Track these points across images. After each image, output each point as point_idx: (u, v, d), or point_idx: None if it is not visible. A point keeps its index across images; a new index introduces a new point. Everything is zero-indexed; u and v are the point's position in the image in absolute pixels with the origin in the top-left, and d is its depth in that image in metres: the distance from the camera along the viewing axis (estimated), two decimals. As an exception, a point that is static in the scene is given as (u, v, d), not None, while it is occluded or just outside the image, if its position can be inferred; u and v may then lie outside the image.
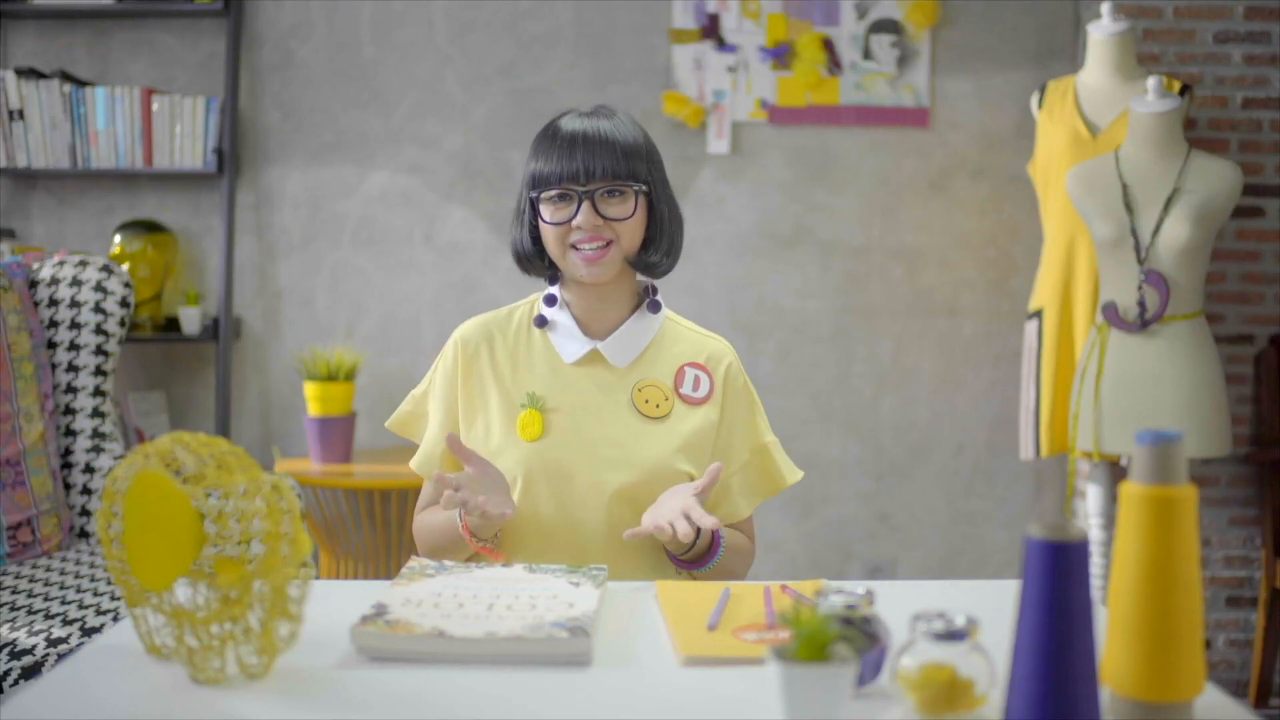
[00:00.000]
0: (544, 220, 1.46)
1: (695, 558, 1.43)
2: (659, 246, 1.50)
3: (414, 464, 1.55)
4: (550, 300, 1.53)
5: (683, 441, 1.48)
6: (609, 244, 1.44)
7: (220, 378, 3.15)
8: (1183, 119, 2.70)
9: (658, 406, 1.49)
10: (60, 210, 3.24)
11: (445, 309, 3.25)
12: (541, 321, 1.53)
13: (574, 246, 1.44)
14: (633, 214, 1.45)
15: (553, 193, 1.44)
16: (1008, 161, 3.23)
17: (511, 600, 1.14)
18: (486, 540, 1.42)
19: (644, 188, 1.47)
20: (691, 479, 1.49)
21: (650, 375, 1.51)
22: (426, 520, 1.52)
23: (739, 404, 1.54)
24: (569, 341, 1.51)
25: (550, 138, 1.46)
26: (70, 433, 2.43)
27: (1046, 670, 0.79)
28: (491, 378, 1.51)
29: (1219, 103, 3.03)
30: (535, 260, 1.51)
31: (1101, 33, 2.79)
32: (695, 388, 1.51)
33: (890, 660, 0.91)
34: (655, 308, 1.54)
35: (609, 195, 1.44)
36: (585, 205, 1.43)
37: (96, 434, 2.44)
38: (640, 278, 1.56)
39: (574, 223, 1.43)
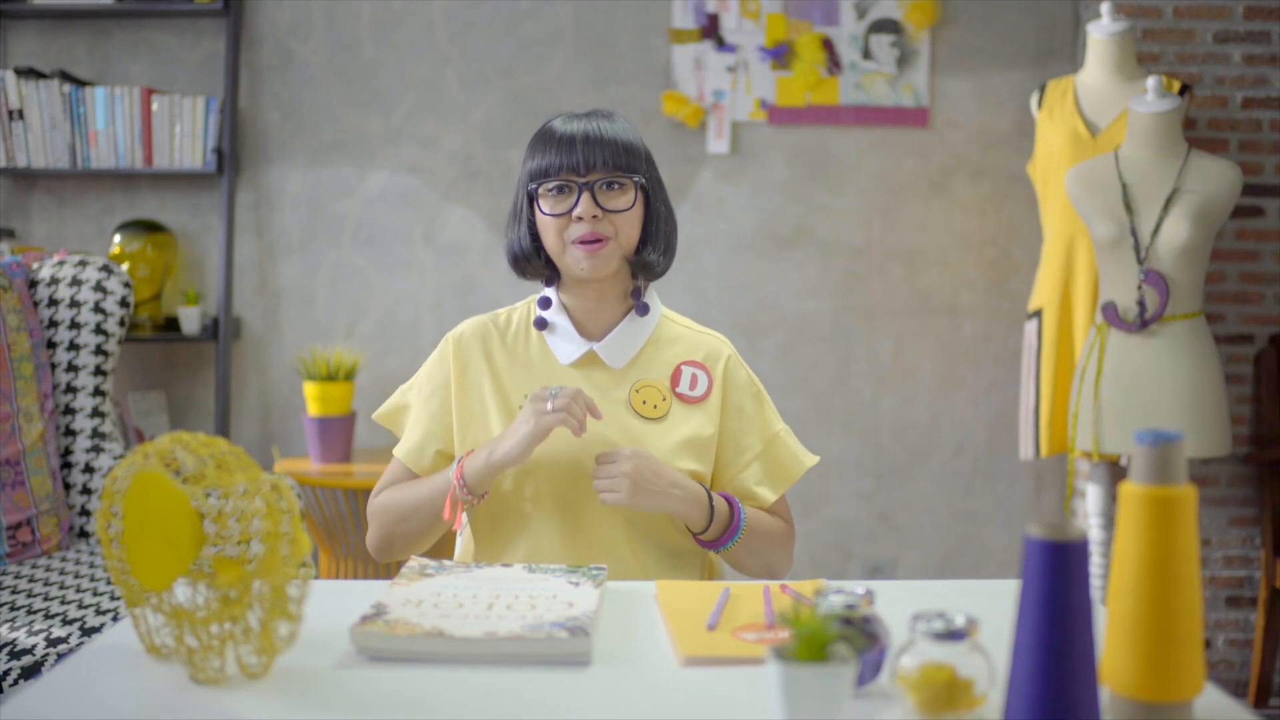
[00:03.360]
0: (543, 213, 1.46)
1: (715, 536, 1.45)
2: (656, 245, 1.50)
3: (400, 453, 1.53)
4: (545, 303, 1.53)
5: (682, 440, 1.48)
6: (606, 240, 1.44)
7: (220, 378, 3.15)
8: (1182, 119, 2.70)
9: (655, 407, 1.49)
10: (60, 210, 3.24)
11: (445, 309, 3.25)
12: (541, 324, 1.53)
13: (574, 241, 1.45)
14: (632, 205, 1.46)
15: (552, 184, 1.44)
16: (1008, 161, 3.23)
17: (511, 600, 1.14)
18: (476, 495, 1.41)
19: (642, 180, 1.47)
20: (694, 477, 1.50)
21: (647, 375, 1.51)
22: (400, 492, 1.50)
23: (744, 397, 1.53)
24: (565, 343, 1.51)
25: (548, 135, 1.47)
26: (70, 433, 2.43)
27: (1046, 670, 0.79)
28: (488, 380, 1.51)
29: (1219, 103, 3.03)
30: (533, 259, 1.51)
31: (1101, 33, 2.79)
32: (693, 386, 1.51)
33: (890, 660, 0.91)
34: (643, 310, 1.53)
35: (608, 187, 1.44)
36: (585, 195, 1.43)
37: (96, 434, 2.44)
38: (635, 280, 1.56)
39: (574, 213, 1.43)
